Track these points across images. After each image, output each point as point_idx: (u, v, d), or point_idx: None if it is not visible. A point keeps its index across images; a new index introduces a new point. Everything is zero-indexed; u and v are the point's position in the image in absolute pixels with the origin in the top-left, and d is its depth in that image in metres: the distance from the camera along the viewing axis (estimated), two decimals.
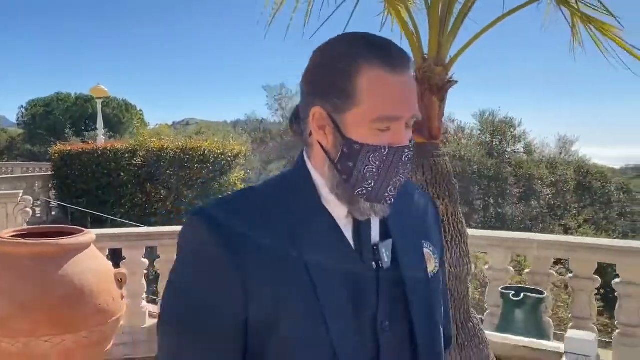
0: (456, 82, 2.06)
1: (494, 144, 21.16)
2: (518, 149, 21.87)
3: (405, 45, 2.04)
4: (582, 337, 2.29)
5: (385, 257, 1.04)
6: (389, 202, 1.01)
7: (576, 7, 1.91)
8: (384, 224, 1.07)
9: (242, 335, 0.96)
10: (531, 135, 22.45)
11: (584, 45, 2.03)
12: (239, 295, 0.94)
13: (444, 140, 21.30)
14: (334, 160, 1.00)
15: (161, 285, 4.87)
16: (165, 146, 10.18)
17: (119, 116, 39.86)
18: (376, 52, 0.96)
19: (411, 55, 2.03)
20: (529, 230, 16.95)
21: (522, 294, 3.81)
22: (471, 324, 2.05)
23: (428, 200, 1.21)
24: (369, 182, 0.99)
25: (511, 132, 21.53)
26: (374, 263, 1.03)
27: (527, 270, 4.50)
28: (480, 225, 18.97)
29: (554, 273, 4.39)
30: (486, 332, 3.36)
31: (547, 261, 4.30)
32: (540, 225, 19.98)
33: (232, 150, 10.87)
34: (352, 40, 0.98)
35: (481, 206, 21.25)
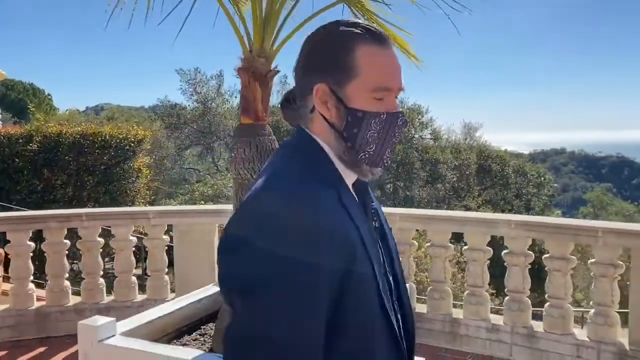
0: (278, 71, 2.38)
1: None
2: (425, 135, 22.96)
3: (233, 38, 2.34)
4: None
5: (378, 218, 1.26)
6: (387, 164, 1.18)
7: (365, 8, 2.29)
8: (360, 189, 1.25)
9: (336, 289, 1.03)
10: (438, 122, 23.64)
11: None
12: (333, 263, 1.01)
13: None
14: (340, 129, 1.12)
15: (49, 269, 4.94)
16: (64, 131, 9.92)
17: (25, 100, 37.56)
18: (367, 31, 1.11)
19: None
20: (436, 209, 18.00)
21: None
22: None
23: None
24: (371, 146, 1.13)
25: (419, 119, 22.56)
26: (373, 222, 1.25)
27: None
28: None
29: (415, 243, 4.92)
30: None
31: (409, 232, 4.81)
32: (445, 206, 21.19)
33: (135, 136, 10.75)
34: (345, 25, 1.12)
35: (391, 189, 22.22)
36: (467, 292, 4.66)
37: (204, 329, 2.78)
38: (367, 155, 1.13)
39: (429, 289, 4.78)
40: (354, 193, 1.19)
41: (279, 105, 1.26)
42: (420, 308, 4.82)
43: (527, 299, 4.40)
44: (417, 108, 22.63)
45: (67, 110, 36.42)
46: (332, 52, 1.10)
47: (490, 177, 22.35)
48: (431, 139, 22.93)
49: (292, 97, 1.21)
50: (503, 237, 4.47)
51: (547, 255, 4.26)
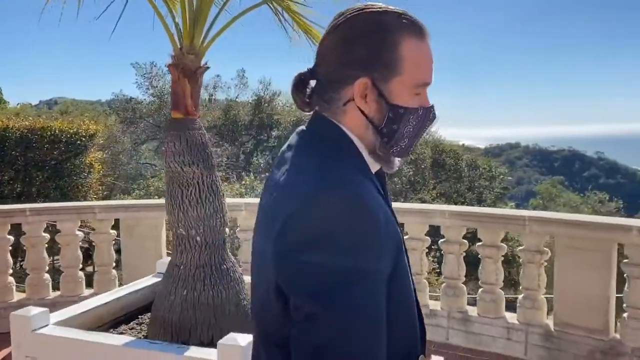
0: (208, 67, 2.48)
1: None
2: None
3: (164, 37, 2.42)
4: None
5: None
6: (408, 155, 1.21)
7: (290, 9, 2.41)
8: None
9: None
10: None
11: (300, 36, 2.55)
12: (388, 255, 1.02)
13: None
14: (379, 125, 1.10)
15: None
16: (11, 126, 9.67)
17: None
18: (408, 22, 1.08)
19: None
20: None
21: None
22: (225, 266, 2.50)
23: None
24: (405, 140, 1.13)
25: None
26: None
27: None
28: None
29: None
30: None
31: None
32: (402, 200, 21.60)
33: (87, 130, 10.57)
34: (383, 14, 1.07)
35: None
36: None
37: (141, 318, 2.86)
38: (398, 149, 1.14)
39: None
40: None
41: (291, 91, 1.16)
42: None
43: (463, 285, 4.63)
44: None
45: (18, 104, 35.22)
46: (377, 46, 1.06)
47: (445, 171, 22.90)
48: None
49: (303, 82, 1.15)
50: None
51: (479, 244, 4.49)
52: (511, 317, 4.41)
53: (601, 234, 3.99)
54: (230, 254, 2.58)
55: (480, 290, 4.52)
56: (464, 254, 4.63)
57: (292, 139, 1.17)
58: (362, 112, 1.09)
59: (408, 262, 1.16)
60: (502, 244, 4.47)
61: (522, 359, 4.27)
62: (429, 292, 5.02)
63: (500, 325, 4.38)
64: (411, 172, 22.82)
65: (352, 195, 0.99)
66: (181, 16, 2.37)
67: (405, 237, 5.03)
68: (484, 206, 20.33)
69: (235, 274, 2.55)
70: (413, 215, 4.77)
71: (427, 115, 1.13)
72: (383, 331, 0.98)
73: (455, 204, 20.43)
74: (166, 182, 2.48)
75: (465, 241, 4.59)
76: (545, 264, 4.30)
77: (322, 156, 1.06)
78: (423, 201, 20.23)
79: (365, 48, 1.06)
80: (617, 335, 4.01)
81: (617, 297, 4.12)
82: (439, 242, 4.67)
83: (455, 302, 4.57)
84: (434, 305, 4.73)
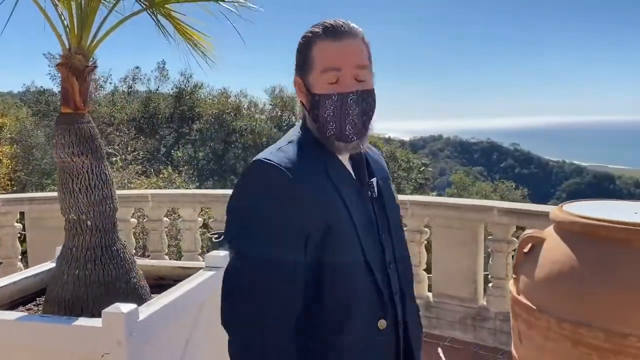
0: (96, 67, 2.71)
1: (284, 117, 22.73)
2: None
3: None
4: (218, 254, 3.15)
5: (375, 189, 1.48)
6: (352, 139, 1.37)
7: (170, 15, 2.69)
8: (369, 168, 1.50)
9: (303, 244, 1.29)
10: None
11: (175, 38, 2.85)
12: (302, 213, 1.28)
13: (238, 113, 22.16)
14: (309, 112, 1.38)
15: None
16: None
17: None
18: (322, 29, 1.35)
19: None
20: None
21: (222, 237, 4.76)
22: (115, 247, 2.75)
23: (383, 160, 1.66)
24: (331, 124, 1.35)
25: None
26: (370, 192, 1.46)
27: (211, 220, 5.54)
28: None
29: None
30: (154, 260, 4.28)
31: None
32: None
33: None
34: (311, 27, 1.38)
35: None
36: None
37: (39, 300, 3.03)
38: (332, 132, 1.36)
39: None
40: (349, 165, 1.43)
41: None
42: None
43: None
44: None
45: None
46: (300, 51, 1.39)
47: None
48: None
49: None
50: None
51: None
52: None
53: (469, 215, 4.55)
54: (120, 236, 2.83)
55: None
56: None
57: None
58: (302, 104, 1.41)
59: (383, 239, 1.44)
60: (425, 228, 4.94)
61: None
62: None
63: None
64: None
65: (264, 162, 1.31)
66: (69, 19, 2.58)
67: None
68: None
69: (126, 254, 2.80)
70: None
71: (345, 100, 1.34)
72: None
73: None
74: (58, 172, 2.69)
75: None
76: (425, 242, 4.83)
77: (277, 143, 1.41)
78: None
79: (297, 55, 1.40)
80: (484, 303, 4.60)
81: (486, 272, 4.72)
82: None
83: None
84: None
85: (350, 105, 1.34)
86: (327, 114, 1.35)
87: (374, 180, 1.50)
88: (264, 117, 22.26)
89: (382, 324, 1.40)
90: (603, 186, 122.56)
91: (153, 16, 2.70)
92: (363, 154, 1.48)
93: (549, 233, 2.47)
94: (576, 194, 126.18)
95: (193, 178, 21.23)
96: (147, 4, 2.77)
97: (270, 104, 23.16)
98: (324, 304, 1.35)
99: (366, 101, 1.37)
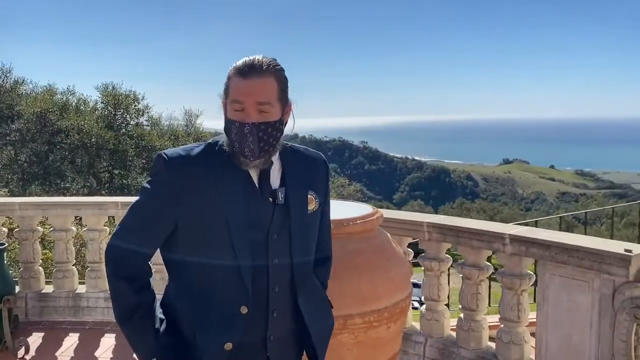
0: None
1: (117, 116, 21.68)
2: (142, 122, 22.90)
3: None
4: None
5: (280, 196, 1.70)
6: (250, 158, 1.64)
7: None
8: (283, 177, 1.74)
9: (168, 228, 1.66)
10: (156, 109, 23.78)
11: None
12: (175, 204, 1.61)
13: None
14: (224, 130, 1.67)
15: None
16: None
17: None
18: (236, 67, 1.63)
19: None
20: None
21: None
22: None
23: (322, 163, 1.88)
24: (235, 144, 1.63)
25: (134, 106, 22.37)
26: (271, 199, 1.69)
27: (16, 229, 5.25)
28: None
29: (40, 229, 5.24)
30: None
31: (32, 219, 5.11)
32: None
33: None
34: (238, 62, 1.64)
35: (106, 178, 21.65)
36: (88, 268, 5.19)
37: None
38: (236, 150, 1.64)
39: (54, 270, 5.17)
40: (255, 174, 1.70)
41: None
42: (47, 289, 5.18)
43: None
44: (131, 94, 22.33)
45: None
46: (226, 80, 1.67)
47: None
48: (148, 125, 22.99)
49: None
50: None
51: None
52: None
53: None
54: None
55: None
56: None
57: None
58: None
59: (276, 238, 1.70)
60: None
61: None
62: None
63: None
64: None
65: (159, 155, 1.67)
66: None
67: (83, 229, 5.37)
68: None
69: None
70: (88, 208, 5.09)
71: (242, 129, 1.62)
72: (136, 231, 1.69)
73: None
74: None
75: None
76: None
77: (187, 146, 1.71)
78: None
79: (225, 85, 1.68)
80: None
81: None
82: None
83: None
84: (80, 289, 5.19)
85: (245, 134, 1.62)
86: (233, 136, 1.64)
87: (281, 189, 1.73)
88: (94, 116, 20.99)
89: (243, 309, 1.65)
90: (440, 179, 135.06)
91: None
92: (279, 166, 1.76)
93: None
94: (417, 187, 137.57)
95: (12, 182, 19.39)
96: None
97: (102, 103, 21.93)
98: (188, 289, 1.69)
99: (263, 131, 1.63)
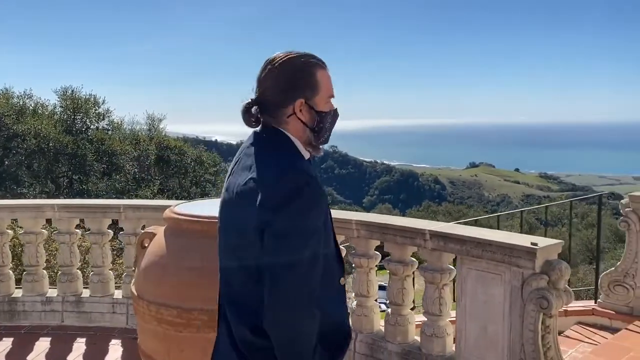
0: None
1: (76, 121, 21.30)
2: (103, 126, 22.56)
3: None
4: None
5: None
6: (326, 143, 1.79)
7: None
8: None
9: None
10: (118, 113, 23.45)
11: None
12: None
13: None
14: (312, 126, 1.72)
15: None
16: None
17: None
18: (315, 59, 1.72)
19: None
20: None
21: None
22: None
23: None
24: (327, 133, 1.77)
25: (95, 110, 22.02)
26: None
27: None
28: None
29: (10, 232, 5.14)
30: None
31: None
32: (125, 197, 21.24)
33: None
34: (302, 57, 1.71)
35: (65, 183, 21.23)
36: (24, 272, 5.11)
37: None
38: (323, 139, 1.77)
39: None
40: None
41: (242, 113, 1.72)
42: None
43: (78, 270, 5.08)
44: (91, 98, 21.99)
45: None
46: (304, 77, 1.69)
47: (170, 167, 23.31)
48: (109, 129, 22.66)
49: (249, 107, 1.71)
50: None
51: (122, 232, 4.97)
52: (117, 294, 5.02)
53: None
54: None
55: (91, 274, 5.03)
56: (78, 242, 5.09)
57: (247, 144, 1.75)
58: (301, 120, 1.71)
59: (331, 222, 1.78)
60: (109, 230, 5.06)
61: (125, 328, 4.91)
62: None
63: (107, 302, 4.96)
64: (136, 169, 22.62)
65: (302, 175, 1.60)
66: None
67: (20, 232, 5.30)
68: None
69: None
70: (24, 210, 5.03)
71: (336, 114, 1.78)
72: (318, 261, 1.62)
73: (180, 198, 21.04)
74: None
75: (77, 231, 5.05)
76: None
77: (279, 152, 1.67)
78: (144, 197, 20.26)
79: (297, 79, 1.69)
80: None
81: None
82: (53, 233, 5.03)
83: (69, 287, 4.99)
84: (52, 292, 5.09)
85: (337, 116, 1.80)
86: (327, 125, 1.76)
87: None
88: (52, 120, 20.56)
89: (342, 280, 1.81)
90: (409, 182, 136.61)
91: None
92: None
93: (161, 229, 2.83)
94: (386, 190, 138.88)
95: None
96: None
97: (61, 107, 21.51)
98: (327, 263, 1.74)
99: (337, 115, 1.82)
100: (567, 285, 3.14)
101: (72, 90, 21.31)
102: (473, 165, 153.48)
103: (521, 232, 8.05)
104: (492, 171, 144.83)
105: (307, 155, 1.75)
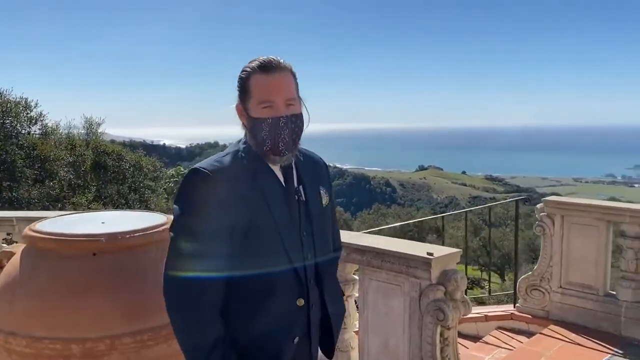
0: None
1: (5, 124, 20.19)
2: (35, 131, 21.50)
3: None
4: None
5: (303, 195, 1.81)
6: (285, 153, 1.73)
7: None
8: (299, 175, 1.82)
9: (230, 235, 1.65)
10: (50, 117, 22.43)
11: None
12: (232, 212, 1.64)
13: None
14: (250, 131, 1.74)
15: None
16: None
17: None
18: (255, 64, 1.71)
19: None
20: (47, 209, 17.01)
21: None
22: None
23: (322, 161, 1.99)
24: (267, 141, 1.71)
25: (26, 114, 20.95)
26: (296, 197, 1.80)
27: None
28: None
29: None
30: None
31: None
32: (60, 205, 20.33)
33: None
34: (248, 63, 1.72)
35: None
36: None
37: None
38: (268, 148, 1.72)
39: None
40: (280, 174, 1.79)
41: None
42: None
43: None
44: (22, 102, 20.91)
45: None
46: (240, 82, 1.75)
47: (108, 173, 22.46)
48: (41, 134, 21.62)
49: None
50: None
51: None
52: None
53: None
54: None
55: None
56: None
57: None
58: (243, 124, 1.77)
59: (305, 235, 1.80)
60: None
61: None
62: None
63: None
64: (71, 175, 21.69)
65: (197, 170, 1.67)
66: None
67: None
68: (148, 205, 20.76)
69: None
70: None
71: (277, 123, 1.70)
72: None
73: (117, 206, 20.30)
74: None
75: None
76: None
77: (217, 154, 1.75)
78: (78, 205, 19.47)
79: (238, 85, 1.76)
80: None
81: None
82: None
83: None
84: None
85: (281, 127, 1.70)
86: (263, 133, 1.71)
87: (301, 187, 1.83)
88: None
89: (300, 301, 1.79)
90: (361, 186, 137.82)
91: None
92: (293, 164, 1.83)
93: (21, 247, 2.55)
94: (339, 194, 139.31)
95: None
96: None
97: None
98: (251, 282, 1.71)
99: (294, 123, 1.73)
100: (464, 295, 3.06)
101: (1, 94, 20.18)
102: (422, 168, 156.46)
103: (466, 233, 8.09)
104: (440, 174, 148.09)
105: (274, 167, 1.79)
